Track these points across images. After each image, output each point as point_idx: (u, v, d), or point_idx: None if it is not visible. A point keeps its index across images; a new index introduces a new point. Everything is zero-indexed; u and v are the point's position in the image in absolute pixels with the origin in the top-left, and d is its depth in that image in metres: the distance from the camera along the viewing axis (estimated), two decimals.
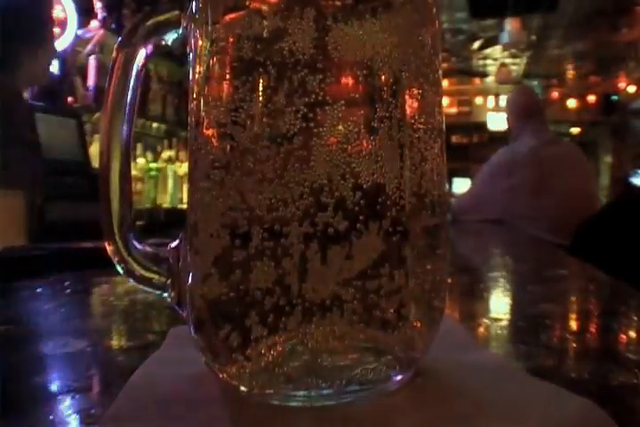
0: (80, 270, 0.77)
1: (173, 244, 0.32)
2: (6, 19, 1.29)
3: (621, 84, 7.24)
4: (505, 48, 5.91)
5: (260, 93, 0.26)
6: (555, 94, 7.95)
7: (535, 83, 7.81)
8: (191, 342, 0.30)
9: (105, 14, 2.72)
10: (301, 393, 0.27)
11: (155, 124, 3.35)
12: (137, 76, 0.32)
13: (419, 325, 0.29)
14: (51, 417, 0.26)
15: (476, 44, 6.27)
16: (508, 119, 2.38)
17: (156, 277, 0.32)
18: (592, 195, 2.25)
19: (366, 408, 0.26)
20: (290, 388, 0.27)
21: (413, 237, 0.28)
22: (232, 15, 0.28)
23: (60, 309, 0.55)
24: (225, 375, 0.28)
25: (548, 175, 2.07)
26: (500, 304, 0.60)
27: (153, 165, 3.09)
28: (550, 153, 2.14)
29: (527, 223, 1.95)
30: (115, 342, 0.42)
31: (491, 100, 8.03)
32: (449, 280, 0.32)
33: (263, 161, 0.26)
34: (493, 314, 0.53)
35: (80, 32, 2.59)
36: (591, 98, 7.84)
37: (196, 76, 0.30)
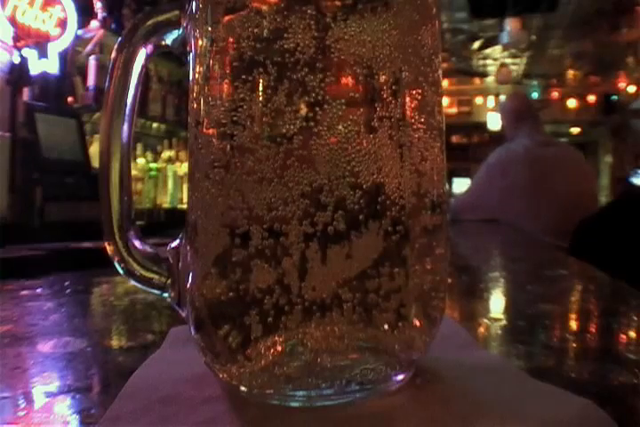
0: (80, 270, 0.77)
1: (173, 244, 0.32)
2: None
3: (621, 84, 7.23)
4: (505, 48, 5.91)
5: (260, 93, 0.26)
6: (555, 94, 7.94)
7: (535, 83, 7.81)
8: (191, 342, 0.30)
9: (105, 14, 2.71)
10: (301, 393, 0.27)
11: (155, 124, 3.35)
12: (137, 76, 0.32)
13: (419, 324, 0.29)
14: (51, 417, 0.26)
15: (476, 44, 6.27)
16: (502, 125, 2.44)
17: (156, 277, 0.32)
18: (590, 196, 2.24)
19: (366, 408, 0.26)
20: (290, 388, 0.27)
21: (413, 237, 0.28)
22: (232, 15, 0.28)
23: (60, 309, 0.55)
24: (225, 375, 0.28)
25: (542, 176, 2.08)
26: (499, 304, 0.60)
27: (153, 165, 3.08)
28: (545, 154, 2.16)
29: (524, 224, 1.96)
30: (115, 342, 0.42)
31: (491, 100, 8.02)
32: (449, 280, 0.32)
33: (263, 161, 0.26)
34: (493, 314, 0.53)
35: (80, 32, 2.59)
36: (591, 98, 7.83)
37: (196, 76, 0.30)
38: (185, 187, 0.46)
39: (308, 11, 0.26)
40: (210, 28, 0.29)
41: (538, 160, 2.12)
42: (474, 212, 2.13)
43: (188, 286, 0.29)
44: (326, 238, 0.26)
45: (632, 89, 7.05)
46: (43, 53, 2.30)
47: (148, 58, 0.32)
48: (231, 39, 0.28)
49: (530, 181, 2.07)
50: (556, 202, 2.03)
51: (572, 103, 7.94)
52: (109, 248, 0.32)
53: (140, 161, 2.97)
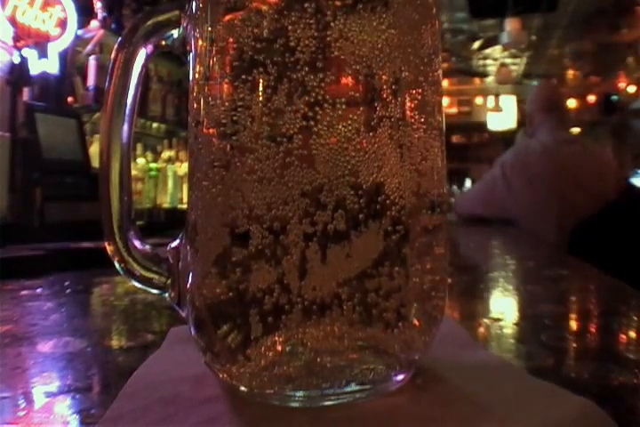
0: (80, 270, 0.77)
1: (173, 244, 0.32)
2: None
3: (621, 84, 7.23)
4: (505, 48, 5.90)
5: (260, 93, 0.26)
6: None
7: (535, 83, 7.81)
8: (191, 342, 0.30)
9: (105, 14, 2.71)
10: (301, 393, 0.27)
11: (155, 124, 3.34)
12: (137, 76, 0.32)
13: (419, 324, 0.29)
14: (51, 417, 0.26)
15: (476, 44, 6.26)
16: (528, 114, 2.30)
17: (156, 277, 0.32)
18: (606, 196, 2.15)
19: (366, 408, 0.26)
20: (290, 388, 0.27)
21: (413, 236, 0.28)
22: (232, 15, 0.28)
23: (60, 309, 0.55)
24: (225, 375, 0.28)
25: (560, 176, 1.98)
26: (500, 304, 0.60)
27: (153, 165, 3.08)
28: (564, 153, 2.05)
29: (538, 223, 1.92)
30: (115, 342, 0.42)
31: (491, 100, 8.01)
32: (449, 280, 0.32)
33: (263, 160, 0.26)
34: (493, 314, 0.53)
35: (80, 32, 2.58)
36: (591, 98, 7.83)
37: (196, 75, 0.30)
38: (185, 187, 0.46)
39: (308, 10, 0.26)
40: (210, 28, 0.29)
41: (556, 160, 2.02)
42: (485, 207, 2.08)
43: (188, 285, 0.29)
44: (326, 238, 0.26)
45: (632, 89, 7.05)
46: (43, 53, 2.30)
47: (148, 58, 0.32)
48: (231, 39, 0.28)
49: (547, 181, 2.00)
50: (575, 205, 1.96)
51: (572, 103, 7.94)
52: (109, 248, 0.32)
53: (140, 161, 2.97)
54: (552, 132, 2.10)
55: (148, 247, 0.32)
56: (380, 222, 0.26)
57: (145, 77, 0.33)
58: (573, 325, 0.50)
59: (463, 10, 5.00)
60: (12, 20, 2.19)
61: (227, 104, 0.27)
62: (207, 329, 0.28)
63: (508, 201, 2.06)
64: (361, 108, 0.27)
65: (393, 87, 0.27)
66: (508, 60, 6.94)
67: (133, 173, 0.60)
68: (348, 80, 0.27)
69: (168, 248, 0.32)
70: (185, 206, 0.31)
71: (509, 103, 7.39)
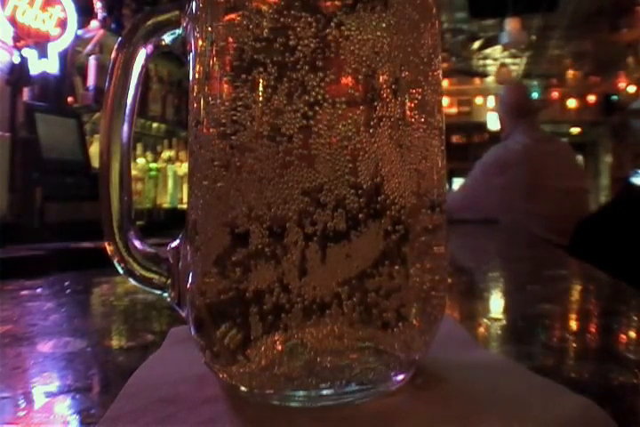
0: (80, 270, 0.77)
1: (173, 244, 0.32)
2: None
3: (621, 84, 7.23)
4: (505, 48, 5.90)
5: (260, 92, 0.26)
6: (555, 94, 7.93)
7: (535, 83, 7.81)
8: (191, 342, 0.30)
9: (105, 14, 2.71)
10: (301, 393, 0.27)
11: (155, 124, 3.34)
12: (137, 76, 0.32)
13: (419, 324, 0.29)
14: (51, 417, 0.26)
15: (476, 44, 6.27)
16: (500, 118, 2.40)
17: (156, 277, 0.32)
18: (583, 192, 2.26)
19: (366, 408, 0.26)
20: (290, 388, 0.27)
21: (413, 236, 0.28)
22: (232, 15, 0.28)
23: (60, 309, 0.55)
24: (225, 375, 0.28)
25: (541, 173, 2.08)
26: (499, 304, 0.60)
27: (153, 165, 3.08)
28: (543, 151, 2.16)
29: (523, 222, 1.96)
30: (115, 342, 0.42)
31: (491, 100, 8.01)
32: (448, 280, 0.32)
33: (263, 160, 0.26)
34: (493, 314, 0.53)
35: (80, 32, 2.58)
36: (591, 98, 7.82)
37: (196, 75, 0.30)
38: (185, 187, 0.46)
39: (308, 11, 0.26)
40: (210, 28, 0.29)
41: (537, 158, 2.12)
42: (469, 210, 2.12)
43: (188, 285, 0.29)
44: (326, 238, 0.26)
45: (632, 89, 7.04)
46: (43, 53, 2.30)
47: (148, 58, 0.32)
48: (231, 39, 0.28)
49: (528, 179, 2.07)
50: (553, 199, 2.04)
51: (571, 103, 7.93)
52: (109, 248, 0.32)
53: (140, 161, 2.97)
54: (527, 133, 2.19)
55: (147, 247, 0.32)
56: (380, 222, 0.26)
57: (145, 77, 0.33)
58: (573, 325, 0.50)
59: (463, 10, 5.00)
60: (12, 20, 2.19)
61: (227, 104, 0.27)
62: (207, 329, 0.28)
63: (491, 201, 2.09)
64: (361, 108, 0.27)
65: (393, 87, 0.27)
66: (508, 60, 6.94)
67: (133, 173, 0.60)
68: (347, 80, 0.27)
69: (168, 248, 0.32)
70: (185, 206, 0.31)
71: None
